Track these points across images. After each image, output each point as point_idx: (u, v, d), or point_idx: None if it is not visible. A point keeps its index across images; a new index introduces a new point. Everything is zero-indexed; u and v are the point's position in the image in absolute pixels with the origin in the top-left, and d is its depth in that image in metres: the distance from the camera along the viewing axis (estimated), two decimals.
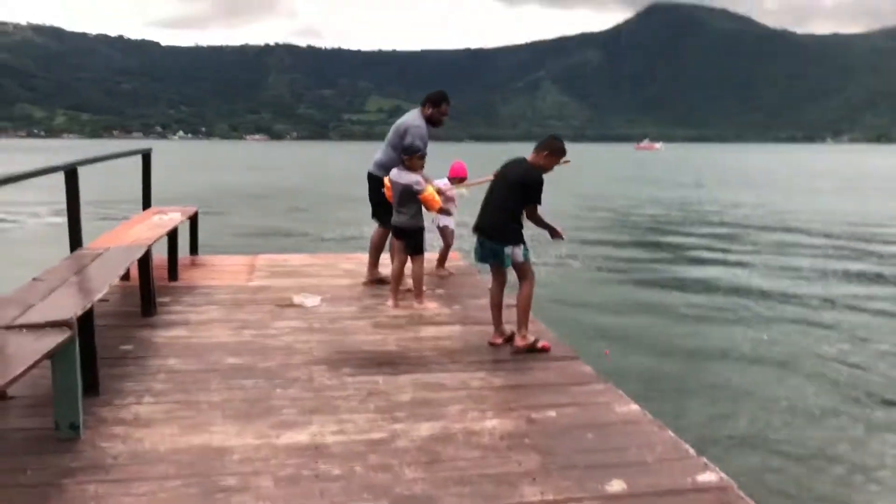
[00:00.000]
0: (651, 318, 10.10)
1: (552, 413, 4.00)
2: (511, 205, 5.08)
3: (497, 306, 5.31)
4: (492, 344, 5.26)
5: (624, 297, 11.33)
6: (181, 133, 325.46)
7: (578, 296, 11.33)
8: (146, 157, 8.16)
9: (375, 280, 7.07)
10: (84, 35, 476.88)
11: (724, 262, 14.63)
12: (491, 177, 5.54)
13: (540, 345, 5.13)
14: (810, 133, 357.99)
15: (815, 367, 7.92)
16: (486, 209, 5.20)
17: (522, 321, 5.12)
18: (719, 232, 19.86)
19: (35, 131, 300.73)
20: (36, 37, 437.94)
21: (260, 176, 46.54)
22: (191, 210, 8.04)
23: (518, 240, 5.07)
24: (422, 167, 6.25)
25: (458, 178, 7.50)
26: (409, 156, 6.17)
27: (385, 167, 6.62)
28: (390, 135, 6.78)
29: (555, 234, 5.33)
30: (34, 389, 4.00)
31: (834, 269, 13.92)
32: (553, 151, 5.17)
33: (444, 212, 6.86)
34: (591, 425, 3.85)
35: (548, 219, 5.17)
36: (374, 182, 6.80)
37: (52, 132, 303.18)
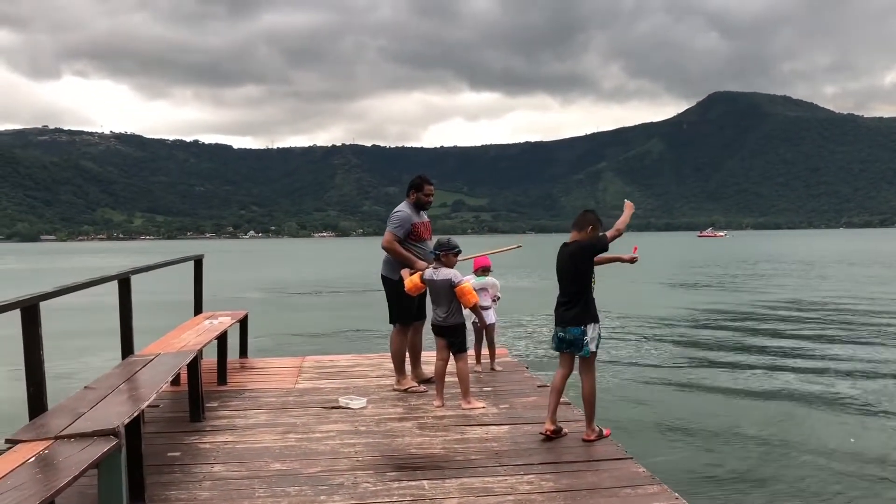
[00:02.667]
0: (708, 410, 9.69)
1: None
2: (581, 287, 5.27)
3: (557, 392, 5.40)
4: (544, 434, 5.29)
5: (680, 391, 10.92)
6: (252, 232, 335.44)
7: (631, 388, 11.01)
8: (198, 263, 8.40)
9: (406, 388, 6.87)
10: (162, 141, 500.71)
11: (793, 356, 14.05)
12: (515, 246, 6.06)
13: (604, 433, 5.36)
14: (886, 217, 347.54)
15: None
16: (560, 302, 5.37)
17: (590, 416, 5.31)
18: (786, 326, 19.21)
19: (114, 234, 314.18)
20: (119, 144, 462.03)
21: (319, 271, 47.59)
22: (240, 314, 8.20)
23: (594, 319, 5.28)
24: (454, 264, 6.31)
25: (482, 269, 7.55)
26: (446, 252, 6.23)
27: (387, 263, 6.84)
28: None
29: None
30: (82, 498, 4.04)
31: None
32: (596, 225, 5.38)
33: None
34: None
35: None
36: (384, 283, 6.93)
37: (129, 234, 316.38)
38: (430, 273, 6.29)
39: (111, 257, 72.24)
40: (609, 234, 5.32)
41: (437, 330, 6.33)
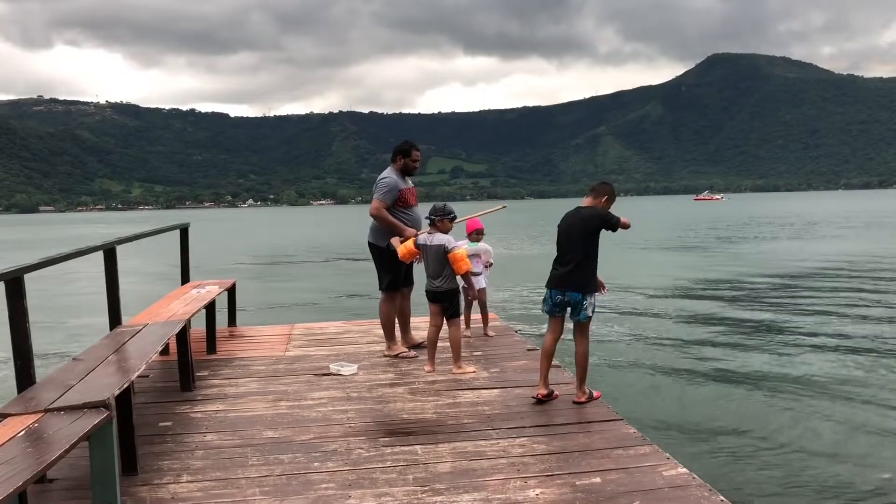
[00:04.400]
0: (698, 372, 9.71)
1: (597, 479, 3.92)
2: (584, 252, 5.26)
3: (549, 357, 5.43)
4: (536, 398, 5.32)
5: (669, 354, 10.93)
6: (251, 201, 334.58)
7: (620, 350, 11.03)
8: (184, 232, 8.33)
9: (396, 354, 6.87)
10: (158, 110, 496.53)
11: (784, 319, 14.03)
12: (500, 207, 5.92)
13: (595, 395, 5.42)
14: (884, 178, 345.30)
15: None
16: (561, 262, 5.34)
17: (582, 378, 5.34)
18: (784, 283, 19.21)
19: (113, 204, 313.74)
20: (115, 114, 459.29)
21: (306, 238, 47.74)
22: (228, 282, 8.16)
23: (595, 288, 5.30)
24: (449, 230, 6.28)
25: (476, 232, 7.46)
26: (441, 217, 6.19)
27: (374, 230, 6.77)
28: None
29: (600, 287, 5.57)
30: (73, 471, 4.05)
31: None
32: (610, 196, 5.45)
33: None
34: (638, 491, 3.76)
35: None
36: (371, 250, 6.88)
37: (128, 205, 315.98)
38: (424, 238, 6.26)
39: (108, 227, 72.26)
40: (623, 220, 5.33)
41: (432, 296, 6.30)
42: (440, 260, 6.15)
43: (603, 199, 5.41)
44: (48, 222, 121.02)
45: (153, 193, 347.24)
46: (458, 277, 6.31)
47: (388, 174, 6.78)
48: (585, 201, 5.44)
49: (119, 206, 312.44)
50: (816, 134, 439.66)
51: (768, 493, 5.79)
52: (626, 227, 5.35)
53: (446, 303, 6.24)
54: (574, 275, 5.25)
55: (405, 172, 6.87)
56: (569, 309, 5.33)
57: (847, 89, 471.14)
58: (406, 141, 6.94)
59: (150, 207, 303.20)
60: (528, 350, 6.96)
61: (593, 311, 5.33)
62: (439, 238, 6.17)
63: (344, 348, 7.33)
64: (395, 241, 6.51)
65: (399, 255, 6.42)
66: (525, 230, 46.31)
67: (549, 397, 5.33)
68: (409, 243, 6.35)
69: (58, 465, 3.23)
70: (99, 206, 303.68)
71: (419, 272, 6.48)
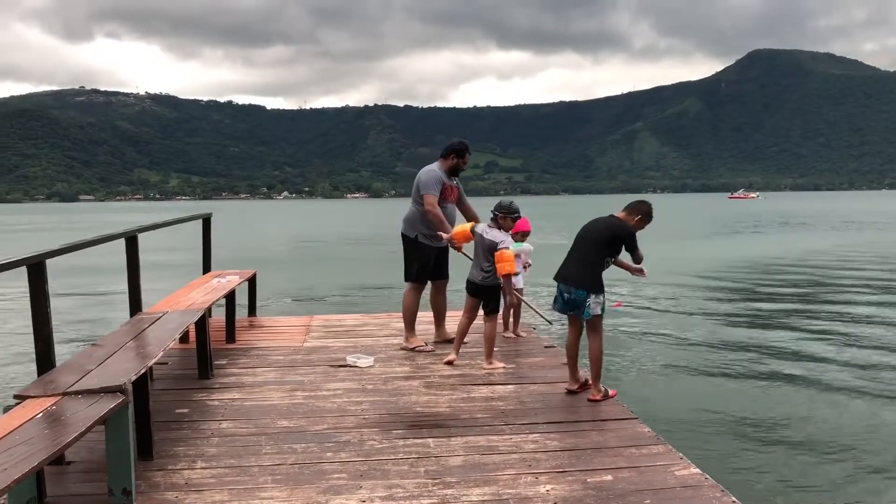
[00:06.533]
0: (718, 373, 9.59)
1: (608, 477, 3.91)
2: (596, 255, 5.26)
3: (573, 357, 5.45)
4: (568, 391, 5.39)
5: (688, 351, 10.81)
6: (286, 193, 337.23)
7: (637, 349, 10.93)
8: (206, 221, 8.39)
9: (413, 347, 6.88)
10: (196, 102, 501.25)
11: (809, 323, 13.75)
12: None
13: (610, 393, 5.40)
14: None
15: None
16: (569, 259, 5.36)
17: (596, 376, 5.34)
18: (805, 290, 18.88)
19: (151, 194, 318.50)
20: (154, 105, 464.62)
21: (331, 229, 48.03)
22: (248, 273, 8.23)
23: (599, 289, 5.25)
24: (510, 228, 6.28)
25: (522, 234, 7.40)
26: (504, 214, 6.18)
27: (408, 220, 6.82)
28: (413, 191, 6.88)
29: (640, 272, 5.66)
30: (90, 454, 4.14)
31: None
32: (645, 216, 5.40)
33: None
34: (649, 490, 3.74)
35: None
36: (404, 241, 6.91)
37: (166, 195, 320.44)
38: (482, 228, 6.26)
39: (140, 215, 73.41)
40: (640, 253, 5.35)
41: (473, 288, 6.28)
42: (489, 254, 6.13)
43: (636, 218, 5.36)
44: (83, 211, 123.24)
45: (190, 184, 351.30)
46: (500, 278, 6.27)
47: (435, 168, 6.79)
48: (619, 215, 5.41)
49: (157, 195, 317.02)
50: (860, 132, 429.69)
51: (782, 495, 5.73)
52: (639, 261, 5.39)
53: (488, 298, 6.25)
54: (577, 270, 5.26)
55: (452, 172, 6.87)
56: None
57: (894, 87, 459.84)
58: (461, 141, 6.92)
59: (188, 198, 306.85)
60: (546, 347, 6.96)
61: (602, 310, 5.29)
62: (495, 234, 6.14)
63: (361, 340, 7.38)
64: (444, 235, 6.58)
65: (451, 233, 6.49)
66: (550, 222, 46.08)
67: (583, 388, 5.40)
68: (468, 226, 6.40)
69: (75, 448, 3.31)
70: (137, 196, 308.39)
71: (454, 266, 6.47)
